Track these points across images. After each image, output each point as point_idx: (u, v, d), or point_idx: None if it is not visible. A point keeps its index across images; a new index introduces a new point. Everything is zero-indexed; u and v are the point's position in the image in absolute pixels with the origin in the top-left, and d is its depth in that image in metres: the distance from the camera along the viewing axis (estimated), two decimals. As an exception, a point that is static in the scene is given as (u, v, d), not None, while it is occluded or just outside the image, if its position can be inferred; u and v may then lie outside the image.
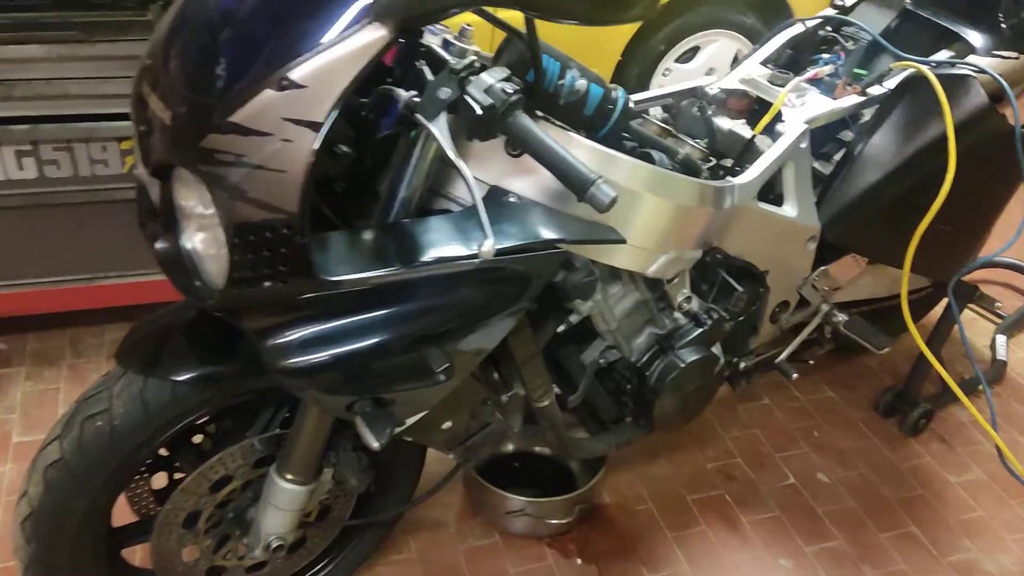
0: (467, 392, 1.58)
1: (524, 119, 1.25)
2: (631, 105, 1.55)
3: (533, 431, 1.79)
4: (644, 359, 1.80)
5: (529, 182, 1.42)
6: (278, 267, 1.16)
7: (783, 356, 2.15)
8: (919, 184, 1.89)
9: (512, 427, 1.72)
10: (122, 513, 1.59)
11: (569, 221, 1.43)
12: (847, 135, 2.02)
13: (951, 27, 2.07)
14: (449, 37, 1.34)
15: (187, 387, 1.41)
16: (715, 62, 3.54)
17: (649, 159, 1.63)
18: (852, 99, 1.97)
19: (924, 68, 1.87)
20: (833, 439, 2.51)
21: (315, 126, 1.11)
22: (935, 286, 2.45)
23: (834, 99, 1.97)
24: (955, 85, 1.89)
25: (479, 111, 1.22)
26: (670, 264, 1.62)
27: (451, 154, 1.23)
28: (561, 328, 1.67)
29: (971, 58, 1.99)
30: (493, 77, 1.26)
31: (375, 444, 1.33)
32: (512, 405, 1.68)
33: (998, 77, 1.89)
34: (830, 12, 2.22)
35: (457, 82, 1.25)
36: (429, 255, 1.26)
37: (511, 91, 1.24)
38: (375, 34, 1.14)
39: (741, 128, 1.93)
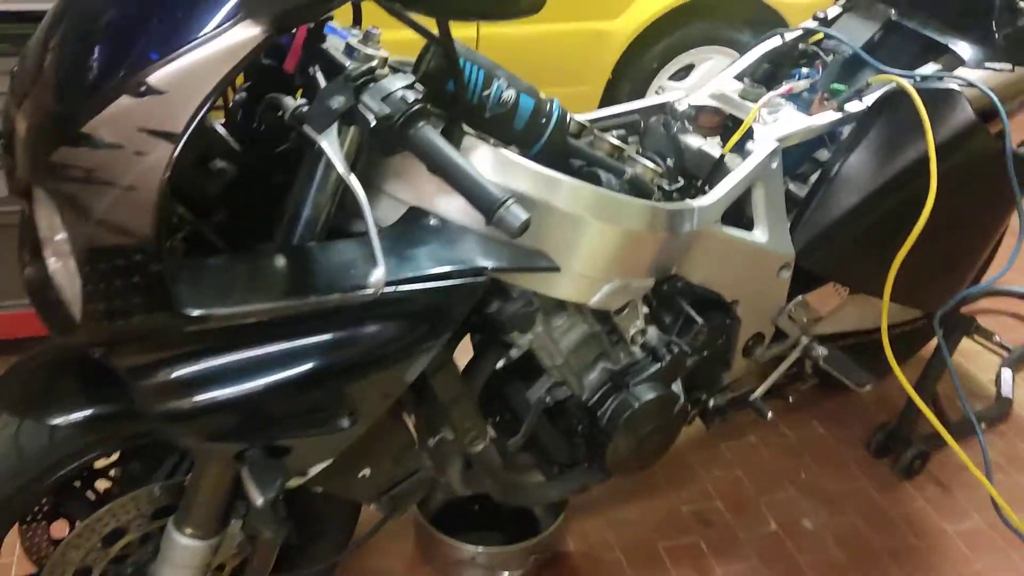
0: (387, 436, 1.44)
1: (427, 132, 1.11)
2: (569, 119, 1.41)
3: (476, 475, 1.64)
4: (596, 397, 1.65)
5: (455, 203, 1.29)
6: (132, 299, 1.02)
7: (758, 393, 1.98)
8: (899, 208, 1.74)
9: (446, 473, 1.57)
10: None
11: (495, 247, 1.30)
12: (824, 155, 1.87)
13: (939, 38, 1.92)
14: (354, 41, 1.21)
15: (65, 431, 1.27)
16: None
17: (595, 179, 1.49)
18: (829, 116, 1.82)
19: (903, 81, 1.72)
20: (821, 481, 2.33)
21: (172, 137, 0.98)
22: (929, 317, 2.27)
23: (810, 116, 1.82)
24: (938, 100, 1.73)
25: (373, 122, 1.09)
26: (615, 294, 1.47)
27: (341, 169, 1.10)
28: (501, 363, 1.52)
29: (960, 71, 1.84)
30: (394, 84, 1.12)
31: (259, 500, 1.19)
32: (444, 450, 1.53)
33: (987, 91, 1.74)
34: (811, 24, 2.08)
35: (352, 90, 1.12)
36: (315, 286, 1.13)
37: (412, 100, 1.11)
38: (246, 33, 1.01)
39: (711, 146, 1.79)
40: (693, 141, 1.80)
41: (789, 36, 2.05)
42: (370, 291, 1.09)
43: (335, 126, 1.11)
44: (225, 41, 1.01)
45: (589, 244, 1.40)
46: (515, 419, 1.64)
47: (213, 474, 1.35)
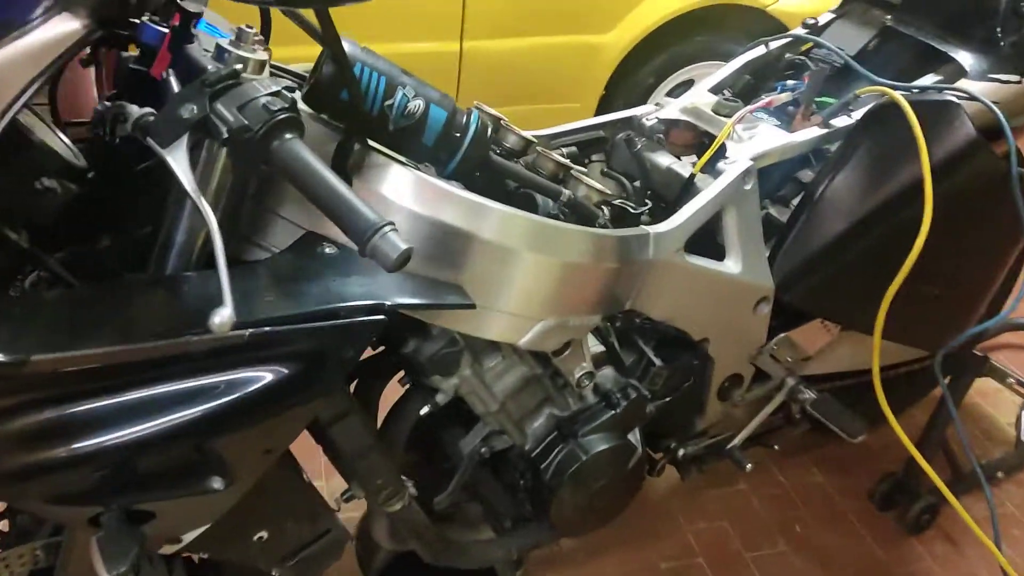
0: (287, 494, 1.26)
1: (292, 147, 0.94)
2: (492, 131, 1.23)
3: (400, 534, 1.46)
4: (540, 448, 1.46)
5: None
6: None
7: (737, 440, 1.78)
8: (892, 235, 1.54)
9: (371, 529, 1.39)
10: None
11: (398, 280, 1.13)
12: (808, 175, 1.67)
13: (939, 46, 1.72)
14: (224, 43, 1.04)
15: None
16: (712, 98, 3.23)
17: (530, 204, 1.32)
18: (812, 132, 1.63)
19: (894, 93, 1.52)
20: (818, 535, 2.12)
21: None
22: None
23: (792, 132, 1.63)
24: (935, 114, 1.53)
25: (224, 133, 0.92)
26: (549, 333, 1.29)
27: (188, 188, 0.93)
28: (425, 410, 1.34)
29: (962, 83, 1.63)
30: (256, 91, 0.95)
31: (104, 575, 1.01)
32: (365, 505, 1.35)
33: (990, 105, 1.53)
34: (799, 31, 1.89)
35: (207, 97, 0.95)
36: (155, 328, 0.96)
37: (275, 109, 0.94)
38: (61, 28, 0.85)
39: (681, 166, 1.61)
40: (661, 159, 1.63)
41: (775, 45, 1.86)
42: (213, 334, 0.91)
43: (184, 139, 0.94)
44: (34, 38, 0.85)
45: (518, 278, 1.23)
46: (452, 470, 1.46)
47: (79, 539, 1.18)
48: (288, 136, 0.95)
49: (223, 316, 0.89)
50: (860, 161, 1.57)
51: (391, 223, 0.92)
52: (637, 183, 1.65)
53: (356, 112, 1.11)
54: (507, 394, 1.39)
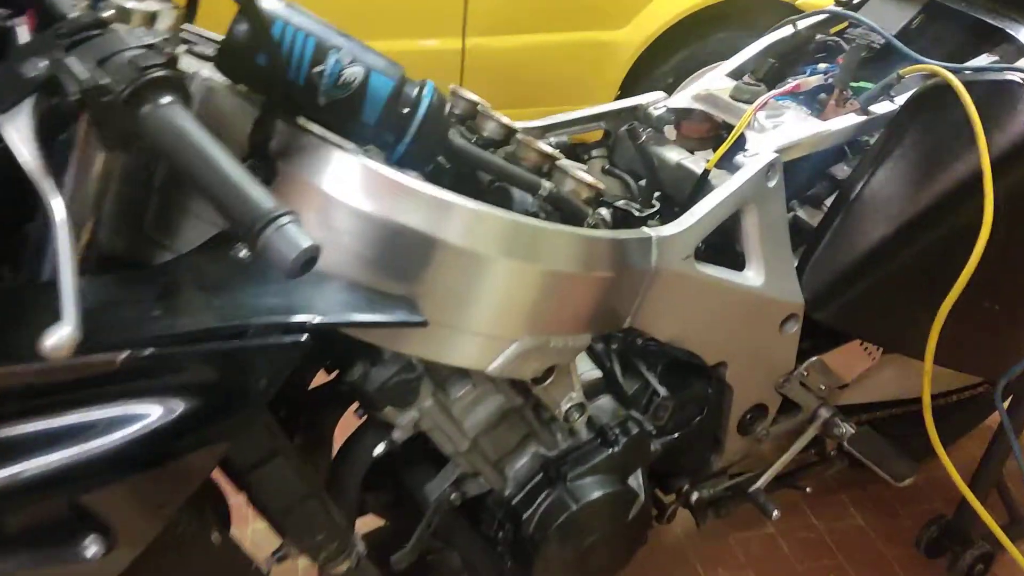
0: (196, 557, 1.03)
1: (167, 112, 0.73)
2: (448, 108, 1.00)
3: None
4: (522, 494, 1.22)
5: None
6: None
7: (761, 483, 1.53)
8: (945, 240, 1.30)
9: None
10: None
11: (329, 290, 0.90)
12: (843, 170, 1.43)
13: (995, 23, 1.48)
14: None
15: None
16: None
17: (506, 199, 1.09)
18: (848, 119, 1.39)
19: (946, 73, 1.28)
20: (857, 586, 1.86)
21: None
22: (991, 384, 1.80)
23: (823, 120, 1.39)
24: (995, 98, 1.29)
25: (73, 94, 0.70)
26: (527, 357, 1.06)
27: (27, 165, 0.71)
28: (379, 450, 1.11)
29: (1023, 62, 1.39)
30: (124, 42, 0.74)
31: None
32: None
33: (1062, 85, 1.29)
34: (834, 8, 1.65)
35: (62, 50, 0.73)
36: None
37: (147, 65, 0.72)
38: None
39: (692, 161, 1.38)
40: (671, 154, 1.41)
41: (804, 24, 1.62)
42: (45, 360, 0.69)
43: (28, 104, 0.73)
44: None
45: (487, 289, 1.00)
46: (418, 518, 1.23)
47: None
48: (164, 101, 0.73)
49: (60, 337, 0.67)
50: (905, 153, 1.33)
51: (291, 212, 0.70)
52: (643, 182, 1.42)
53: (276, 80, 0.89)
54: (480, 430, 1.16)
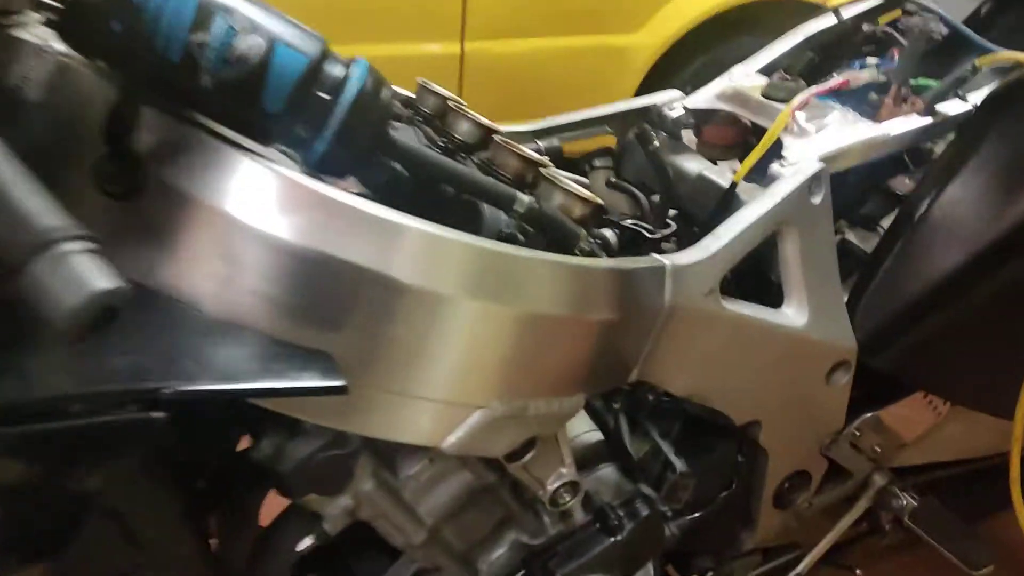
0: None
1: None
2: (385, 95, 0.75)
3: None
4: (500, 594, 0.96)
5: (164, 257, 0.66)
6: None
7: (802, 567, 1.26)
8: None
9: None
10: None
11: (214, 344, 0.65)
12: (904, 184, 1.18)
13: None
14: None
15: None
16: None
17: (473, 218, 0.84)
18: (909, 122, 1.14)
19: (1039, 60, 1.03)
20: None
21: None
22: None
23: (878, 123, 1.14)
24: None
25: None
26: (496, 429, 0.80)
27: None
28: (306, 545, 0.86)
29: None
30: None
31: None
32: None
33: None
34: (885, -6, 1.40)
35: None
36: None
37: None
38: None
39: (716, 172, 1.15)
40: (690, 164, 1.17)
41: (850, 13, 1.37)
42: None
43: None
44: None
45: (446, 341, 0.75)
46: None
47: None
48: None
49: None
50: (985, 162, 1.09)
51: (87, 236, 0.45)
52: (656, 197, 1.18)
53: (136, 52, 0.64)
54: (441, 516, 0.90)
